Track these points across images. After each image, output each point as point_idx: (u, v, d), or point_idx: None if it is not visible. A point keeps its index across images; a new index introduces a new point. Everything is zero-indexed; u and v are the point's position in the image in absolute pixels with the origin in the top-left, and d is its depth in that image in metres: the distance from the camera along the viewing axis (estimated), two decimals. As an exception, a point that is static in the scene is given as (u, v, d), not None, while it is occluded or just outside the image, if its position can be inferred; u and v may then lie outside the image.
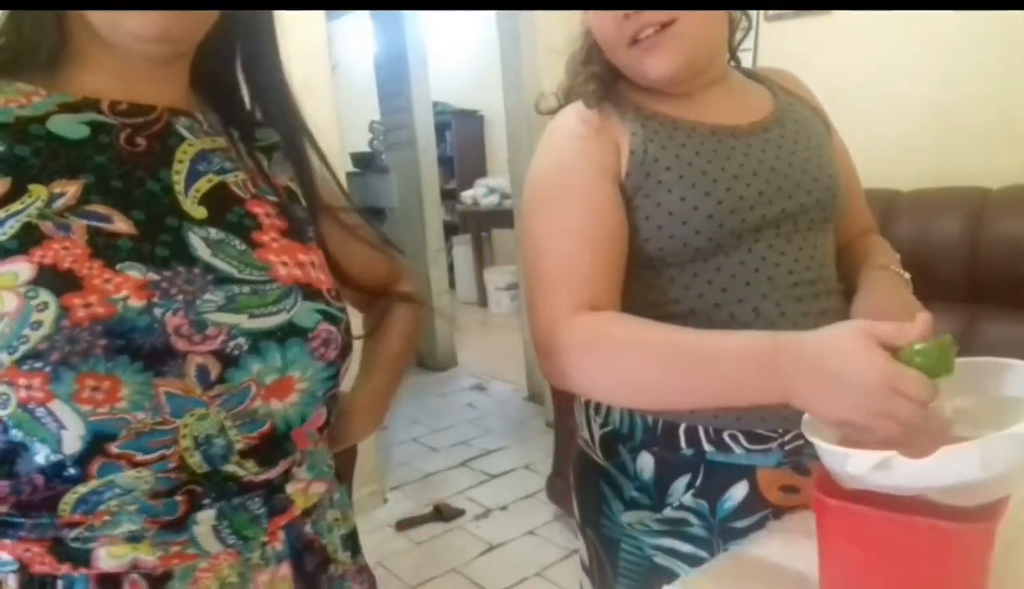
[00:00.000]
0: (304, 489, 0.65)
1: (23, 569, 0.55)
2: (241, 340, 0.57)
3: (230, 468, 0.58)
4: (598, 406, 0.89)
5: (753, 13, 2.31)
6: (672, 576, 0.80)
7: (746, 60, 0.96)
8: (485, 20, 4.70)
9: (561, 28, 2.88)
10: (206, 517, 0.58)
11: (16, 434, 0.51)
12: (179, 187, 0.61)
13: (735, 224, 0.78)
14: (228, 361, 0.56)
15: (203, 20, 0.61)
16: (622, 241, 0.80)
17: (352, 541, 0.73)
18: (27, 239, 0.53)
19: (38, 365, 0.50)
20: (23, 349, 0.50)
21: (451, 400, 3.84)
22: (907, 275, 0.87)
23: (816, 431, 0.62)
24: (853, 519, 0.57)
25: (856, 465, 0.56)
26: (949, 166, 1.95)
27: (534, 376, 3.58)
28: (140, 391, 0.53)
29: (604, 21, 0.80)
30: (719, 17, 0.82)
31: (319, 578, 0.67)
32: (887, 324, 0.60)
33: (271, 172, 0.69)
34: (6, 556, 0.55)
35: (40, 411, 0.50)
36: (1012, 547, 0.62)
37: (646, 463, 0.84)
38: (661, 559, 0.83)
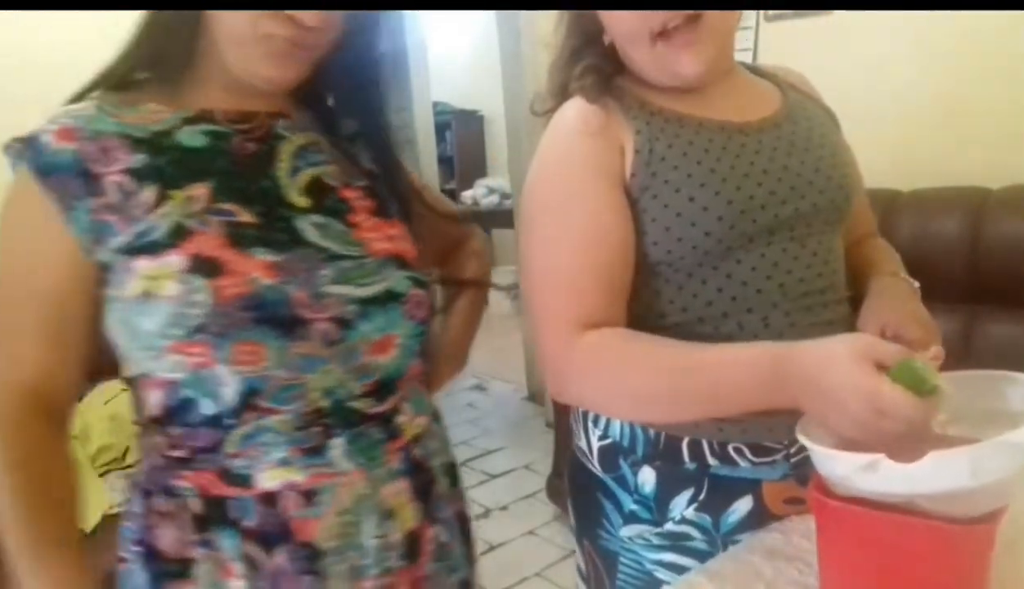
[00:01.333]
0: (410, 421, 0.78)
1: (202, 493, 0.68)
2: (353, 307, 0.69)
3: (351, 404, 0.71)
4: (596, 418, 0.86)
5: (753, 13, 2.31)
6: None
7: (745, 60, 0.95)
8: (485, 20, 4.69)
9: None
10: (338, 444, 0.71)
11: (187, 392, 0.66)
12: (283, 181, 0.72)
13: (746, 225, 0.76)
14: (344, 325, 0.69)
15: (320, 56, 0.71)
16: (627, 253, 0.77)
17: (451, 471, 0.86)
18: (176, 236, 0.65)
19: (202, 337, 0.63)
20: (190, 325, 0.63)
21: (451, 400, 3.83)
22: (916, 283, 0.86)
23: (809, 434, 0.61)
24: (853, 520, 0.57)
25: (843, 466, 0.56)
26: (949, 166, 1.95)
27: (534, 376, 3.58)
28: (279, 353, 0.65)
29: (623, 15, 0.76)
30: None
31: (430, 494, 0.79)
32: (888, 345, 0.61)
33: (359, 159, 0.79)
34: (186, 484, 0.69)
35: (206, 373, 0.65)
36: (1012, 547, 0.62)
37: (647, 477, 0.82)
38: (662, 574, 0.82)
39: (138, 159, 0.67)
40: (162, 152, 0.68)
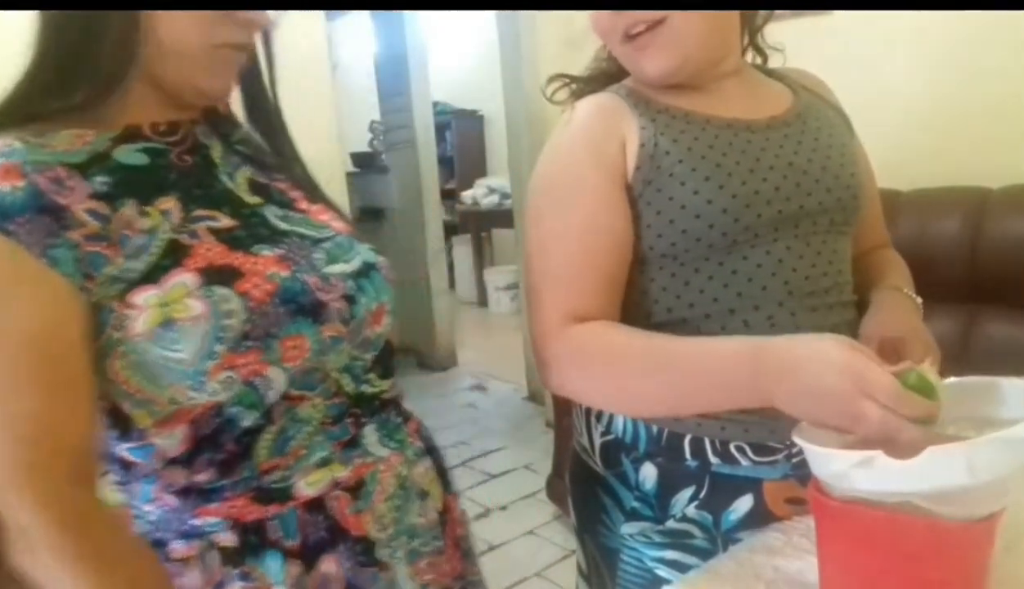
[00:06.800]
0: (410, 406, 0.79)
1: (235, 523, 0.64)
2: (351, 282, 0.70)
3: (367, 388, 0.72)
4: (600, 414, 0.87)
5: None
6: None
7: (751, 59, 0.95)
8: (485, 20, 4.69)
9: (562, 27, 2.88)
10: (370, 431, 0.72)
11: (231, 411, 0.62)
12: (231, 184, 0.71)
13: (750, 219, 0.76)
14: (350, 301, 0.69)
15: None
16: (622, 249, 0.78)
17: None
18: (176, 253, 0.61)
19: (250, 344, 0.61)
20: (233, 336, 0.60)
21: (451, 400, 3.83)
22: (919, 299, 0.86)
23: (806, 435, 0.61)
24: (852, 519, 0.57)
25: (839, 463, 0.56)
26: (949, 166, 1.95)
27: (534, 376, 3.58)
28: (317, 339, 0.65)
29: (599, 16, 0.80)
30: (719, 14, 0.79)
31: (446, 473, 0.82)
32: (868, 350, 0.61)
33: (261, 157, 0.78)
34: (212, 519, 0.64)
35: (258, 380, 0.62)
36: (1012, 547, 0.62)
37: (649, 473, 0.82)
38: (663, 571, 0.82)
39: (98, 182, 0.61)
40: (111, 173, 0.63)
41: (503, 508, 2.65)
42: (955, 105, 1.99)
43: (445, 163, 5.70)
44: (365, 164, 4.91)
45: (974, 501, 0.54)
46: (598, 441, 0.87)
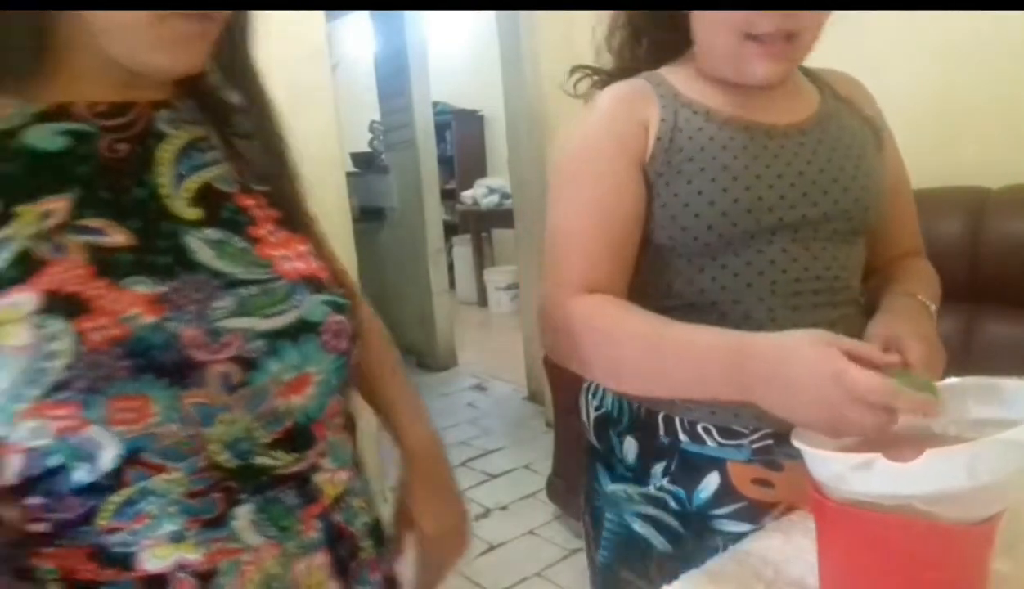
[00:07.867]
0: (331, 478, 0.65)
1: (65, 577, 0.55)
2: (258, 343, 0.57)
3: (260, 460, 0.58)
4: (595, 390, 0.92)
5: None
6: (648, 545, 0.85)
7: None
8: (485, 19, 4.69)
9: (563, 25, 2.88)
10: (244, 512, 0.58)
11: (55, 460, 0.51)
12: (166, 190, 0.59)
13: (749, 224, 0.77)
14: (248, 365, 0.56)
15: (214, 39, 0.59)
16: (634, 226, 0.80)
17: (376, 530, 0.74)
18: (25, 266, 0.51)
19: (67, 395, 0.50)
20: (47, 382, 0.49)
21: (451, 400, 3.83)
22: (933, 307, 0.84)
23: (804, 438, 0.61)
24: (852, 520, 0.57)
25: (838, 465, 0.56)
26: (949, 166, 1.95)
27: (534, 376, 3.58)
28: (170, 405, 0.53)
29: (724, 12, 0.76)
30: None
31: (350, 565, 0.67)
32: (854, 341, 0.63)
33: (256, 161, 0.67)
34: (46, 565, 0.55)
35: (77, 438, 0.51)
36: (1012, 548, 0.62)
37: (630, 446, 0.87)
38: (639, 526, 0.86)
39: None
40: (6, 157, 0.54)
41: (503, 508, 2.65)
42: (956, 105, 1.99)
43: (445, 163, 5.70)
44: (365, 164, 4.91)
45: (974, 503, 0.54)
46: (592, 415, 0.93)
